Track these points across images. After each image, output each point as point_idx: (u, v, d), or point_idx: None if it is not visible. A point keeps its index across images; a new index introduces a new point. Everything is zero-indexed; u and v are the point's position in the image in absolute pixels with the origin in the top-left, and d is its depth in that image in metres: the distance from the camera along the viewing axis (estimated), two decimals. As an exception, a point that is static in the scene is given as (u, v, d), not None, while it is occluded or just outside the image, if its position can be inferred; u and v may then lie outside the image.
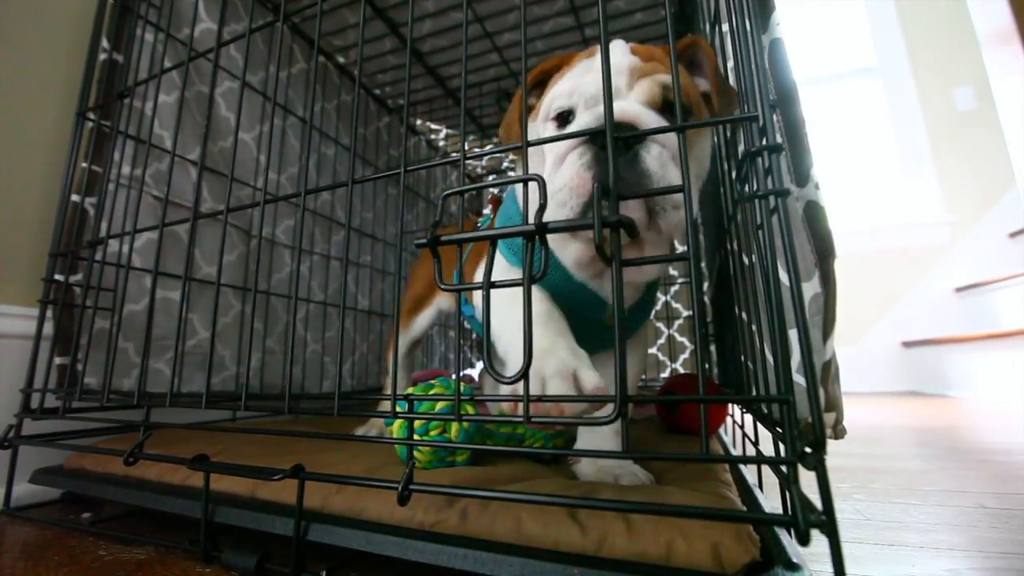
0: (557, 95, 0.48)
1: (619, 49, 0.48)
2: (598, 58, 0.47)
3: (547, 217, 0.33)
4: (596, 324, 0.56)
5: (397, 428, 0.55)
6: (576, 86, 0.47)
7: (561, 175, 0.42)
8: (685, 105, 0.44)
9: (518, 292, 0.34)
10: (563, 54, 0.55)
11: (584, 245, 0.48)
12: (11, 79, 0.76)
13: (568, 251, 0.50)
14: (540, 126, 0.52)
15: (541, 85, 0.55)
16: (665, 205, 0.40)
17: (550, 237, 0.38)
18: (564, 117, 0.48)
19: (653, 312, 0.64)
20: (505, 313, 0.46)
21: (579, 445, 0.57)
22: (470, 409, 0.55)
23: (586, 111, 0.45)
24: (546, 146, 0.48)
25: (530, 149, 0.54)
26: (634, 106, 0.43)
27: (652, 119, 0.42)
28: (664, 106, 0.45)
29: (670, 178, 0.40)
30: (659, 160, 0.40)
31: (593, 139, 0.41)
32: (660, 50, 0.50)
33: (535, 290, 0.49)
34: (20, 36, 0.77)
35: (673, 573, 0.34)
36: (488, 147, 1.63)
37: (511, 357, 0.45)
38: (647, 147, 0.40)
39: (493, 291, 0.35)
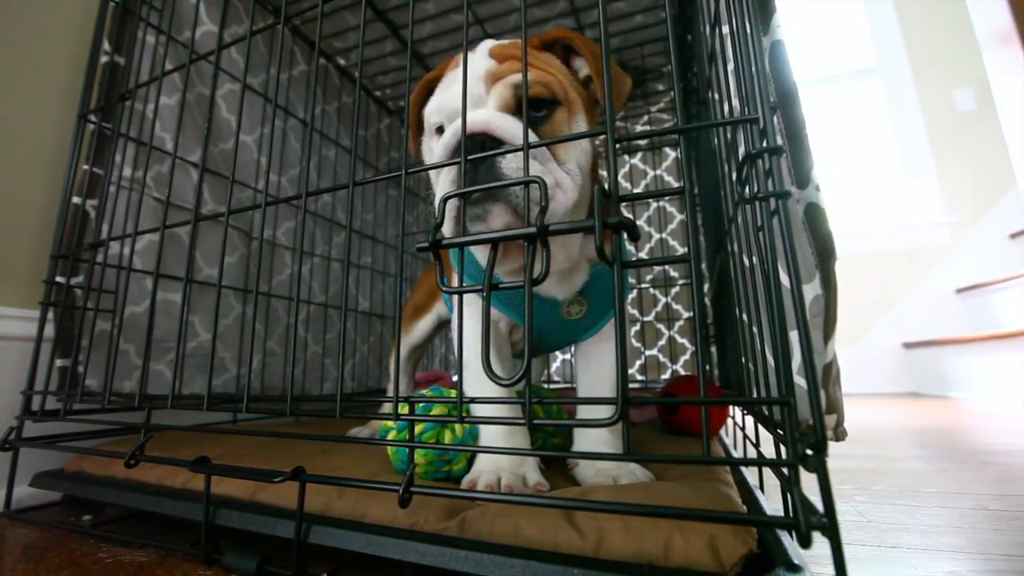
0: (430, 112, 0.52)
1: (480, 53, 0.51)
2: (458, 71, 0.50)
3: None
4: (556, 322, 0.57)
5: (393, 437, 0.54)
6: (441, 102, 0.50)
7: (440, 190, 0.46)
8: (545, 98, 0.47)
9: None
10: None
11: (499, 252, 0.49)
12: (12, 81, 0.76)
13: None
14: (427, 139, 0.55)
15: (431, 94, 0.57)
16: (531, 206, 0.42)
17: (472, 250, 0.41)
18: (441, 130, 0.52)
19: (628, 299, 0.62)
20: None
21: (575, 447, 0.57)
22: (458, 429, 0.54)
23: (448, 126, 0.48)
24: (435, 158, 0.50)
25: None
26: (484, 114, 0.45)
27: (505, 123, 0.44)
28: (518, 106, 0.47)
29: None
30: (516, 163, 0.42)
31: (458, 154, 0.43)
32: (519, 44, 0.52)
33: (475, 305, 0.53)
34: (21, 38, 0.77)
35: (672, 574, 0.34)
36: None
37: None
38: (503, 153, 0.43)
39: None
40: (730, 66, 0.45)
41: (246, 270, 0.99)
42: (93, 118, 0.75)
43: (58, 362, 0.69)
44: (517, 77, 0.47)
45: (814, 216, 0.36)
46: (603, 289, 0.57)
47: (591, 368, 0.60)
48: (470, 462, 0.52)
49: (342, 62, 1.28)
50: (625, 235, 0.32)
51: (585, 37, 0.52)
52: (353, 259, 1.31)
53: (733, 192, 0.51)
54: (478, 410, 0.53)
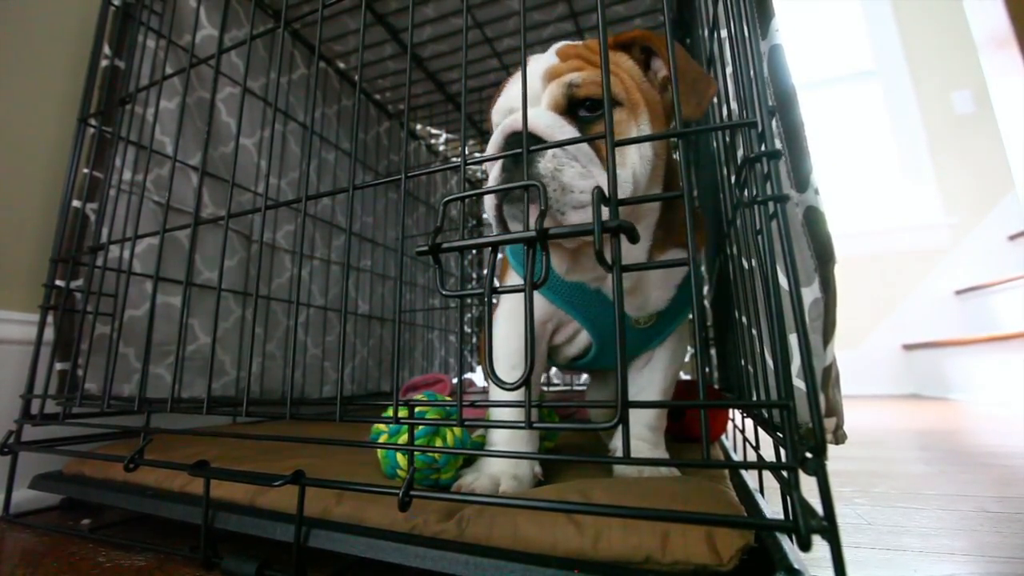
0: (494, 112, 0.53)
1: (549, 51, 0.51)
2: (517, 74, 0.50)
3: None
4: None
5: (383, 453, 0.53)
6: (501, 102, 0.52)
7: (490, 182, 0.46)
8: (598, 98, 0.46)
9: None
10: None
11: (561, 252, 0.51)
12: (13, 85, 0.76)
13: (553, 260, 0.52)
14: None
15: None
16: (564, 208, 0.42)
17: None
18: None
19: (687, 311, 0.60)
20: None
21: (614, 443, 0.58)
22: (449, 437, 0.54)
23: (498, 126, 0.49)
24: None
25: None
26: (531, 113, 0.44)
27: (543, 122, 0.44)
28: (569, 106, 0.46)
29: (565, 179, 0.42)
30: (553, 163, 0.43)
31: (501, 151, 0.45)
32: (591, 44, 0.50)
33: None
34: (22, 42, 0.77)
35: (670, 569, 0.34)
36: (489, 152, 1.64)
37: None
38: (542, 152, 0.43)
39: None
40: (728, 70, 0.46)
41: (246, 273, 0.99)
42: (93, 122, 0.76)
43: (57, 365, 0.69)
44: (572, 76, 0.46)
45: (813, 219, 0.36)
46: (680, 302, 0.57)
47: (645, 372, 0.62)
48: (458, 471, 0.52)
49: (342, 66, 1.28)
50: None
51: (662, 38, 0.47)
52: (353, 262, 1.31)
53: (732, 195, 0.51)
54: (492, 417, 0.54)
